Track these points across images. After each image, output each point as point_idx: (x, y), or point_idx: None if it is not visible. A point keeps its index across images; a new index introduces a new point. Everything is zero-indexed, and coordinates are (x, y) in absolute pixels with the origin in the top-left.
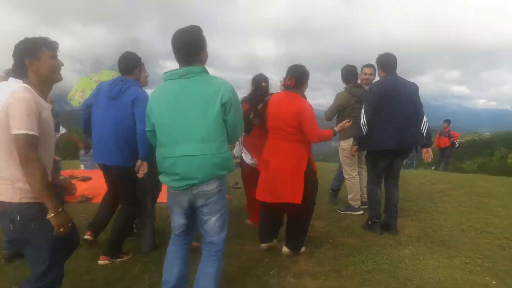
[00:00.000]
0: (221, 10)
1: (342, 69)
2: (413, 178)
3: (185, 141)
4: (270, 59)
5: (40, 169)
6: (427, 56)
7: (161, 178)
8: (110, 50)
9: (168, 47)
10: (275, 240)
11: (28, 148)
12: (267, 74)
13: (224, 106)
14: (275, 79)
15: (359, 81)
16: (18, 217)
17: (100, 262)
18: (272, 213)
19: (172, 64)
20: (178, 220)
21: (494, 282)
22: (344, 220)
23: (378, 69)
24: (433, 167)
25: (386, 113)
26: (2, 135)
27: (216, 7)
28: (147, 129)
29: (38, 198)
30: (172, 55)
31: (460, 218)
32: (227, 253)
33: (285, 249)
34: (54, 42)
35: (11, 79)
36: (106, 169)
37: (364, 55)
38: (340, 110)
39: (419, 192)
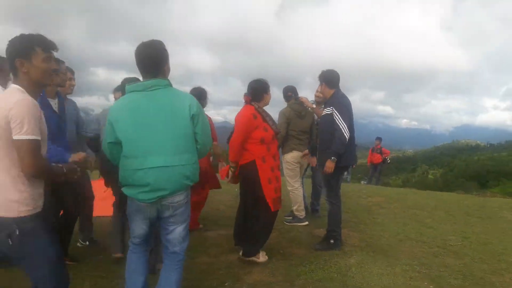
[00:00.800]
0: (154, 14)
1: (283, 89)
2: (350, 192)
3: (156, 153)
4: (205, 71)
5: (47, 173)
6: (354, 76)
7: (125, 190)
8: None
9: (98, 53)
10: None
11: (34, 154)
12: (203, 87)
13: (193, 118)
14: (211, 92)
15: (314, 99)
16: (17, 231)
17: None
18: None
19: (103, 72)
20: (139, 230)
21: (431, 287)
22: (292, 231)
23: (322, 84)
24: (363, 182)
25: (351, 129)
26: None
27: (148, 11)
28: (108, 140)
29: (37, 208)
30: (103, 62)
31: (397, 229)
32: None
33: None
34: (51, 42)
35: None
36: None
37: (297, 71)
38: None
39: (356, 205)
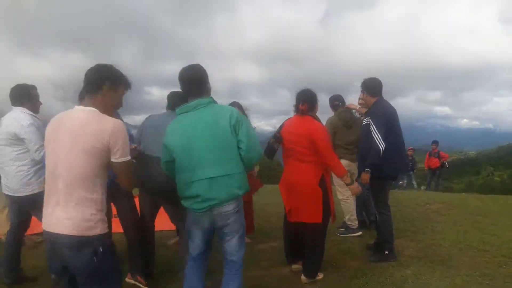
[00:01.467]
0: (200, 33)
1: (330, 98)
2: (407, 199)
3: (202, 166)
4: (253, 83)
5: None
6: (407, 78)
7: (183, 202)
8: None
9: (151, 73)
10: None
11: (129, 170)
12: (252, 99)
13: (234, 127)
14: (261, 103)
15: (358, 106)
16: (101, 248)
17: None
18: (295, 233)
19: (157, 90)
20: (197, 243)
21: None
22: (344, 243)
23: (363, 92)
24: (423, 187)
25: (397, 136)
26: (89, 164)
27: (194, 31)
28: (163, 160)
29: (109, 227)
30: (156, 81)
31: (457, 237)
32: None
33: (303, 277)
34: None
35: (13, 108)
36: None
37: (344, 78)
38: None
39: (414, 213)
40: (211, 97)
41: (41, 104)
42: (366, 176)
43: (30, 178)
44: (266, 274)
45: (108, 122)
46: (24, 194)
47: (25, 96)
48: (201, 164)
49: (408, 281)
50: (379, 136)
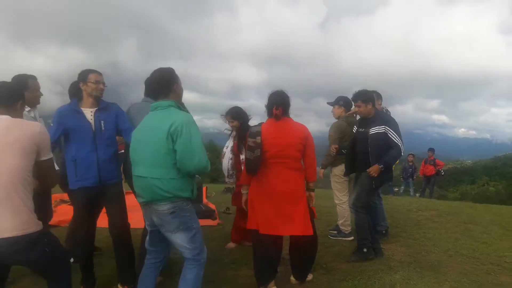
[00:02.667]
0: (198, 33)
1: (344, 98)
2: (400, 205)
3: (138, 164)
4: (252, 85)
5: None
6: (405, 85)
7: None
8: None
9: (149, 69)
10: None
11: (53, 167)
12: (251, 101)
13: (171, 135)
14: (259, 105)
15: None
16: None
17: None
18: (274, 247)
19: None
20: (146, 231)
21: None
22: (336, 246)
23: (368, 103)
24: (418, 194)
25: None
26: (23, 163)
27: (194, 30)
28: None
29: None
30: None
31: (448, 244)
32: (222, 279)
33: (292, 278)
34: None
35: None
36: None
37: (343, 83)
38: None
39: (406, 219)
40: (173, 101)
41: (41, 95)
42: (377, 168)
43: None
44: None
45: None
46: None
47: (23, 86)
48: (141, 162)
49: (397, 285)
50: (400, 140)
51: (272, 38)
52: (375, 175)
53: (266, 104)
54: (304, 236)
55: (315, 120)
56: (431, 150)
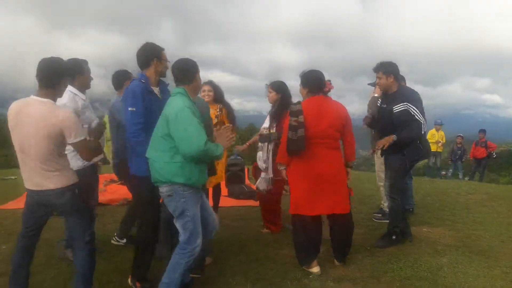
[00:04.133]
0: (236, 14)
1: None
2: (448, 188)
3: (149, 146)
4: (291, 66)
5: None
6: (452, 63)
7: None
8: (131, 56)
9: (190, 54)
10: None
11: (86, 147)
12: (291, 82)
13: (167, 121)
14: (298, 85)
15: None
16: (76, 191)
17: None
18: (314, 227)
19: (202, 73)
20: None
21: None
22: (381, 228)
23: (390, 76)
24: (466, 178)
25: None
26: (48, 145)
27: (231, 11)
28: None
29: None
30: (201, 63)
31: (500, 229)
32: (265, 258)
33: (336, 261)
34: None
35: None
36: None
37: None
38: None
39: (455, 202)
40: (183, 89)
41: (92, 79)
42: (390, 139)
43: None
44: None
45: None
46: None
47: (78, 70)
48: (150, 144)
49: (444, 269)
50: (423, 118)
51: (311, 15)
52: (385, 145)
53: (305, 82)
54: (343, 216)
55: (358, 101)
56: (482, 131)
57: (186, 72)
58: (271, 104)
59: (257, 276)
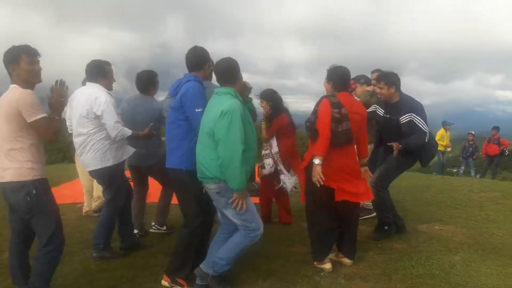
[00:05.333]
0: (244, 10)
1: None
2: (460, 186)
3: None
4: (301, 63)
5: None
6: (464, 59)
7: None
8: (140, 54)
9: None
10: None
11: (48, 125)
12: (300, 79)
13: (213, 119)
14: (309, 84)
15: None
16: (34, 190)
17: (163, 282)
18: (331, 222)
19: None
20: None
21: None
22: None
23: (392, 87)
24: (478, 176)
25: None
26: (9, 127)
27: (239, 7)
28: None
29: (44, 174)
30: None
31: None
32: (276, 255)
33: (347, 260)
34: (34, 49)
35: (88, 83)
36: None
37: (397, 58)
38: None
39: (467, 200)
40: (232, 89)
41: (114, 81)
42: (397, 145)
43: (105, 152)
44: (309, 251)
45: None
46: (100, 167)
47: (100, 72)
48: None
49: (456, 267)
50: (427, 127)
51: (321, 11)
52: (395, 150)
53: (332, 77)
54: (357, 209)
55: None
56: (495, 128)
57: (232, 72)
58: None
59: (268, 272)
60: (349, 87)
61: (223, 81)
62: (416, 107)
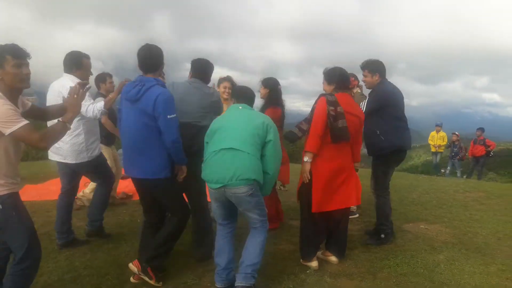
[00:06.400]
0: (234, 9)
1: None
2: (446, 186)
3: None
4: (290, 62)
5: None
6: (452, 61)
7: None
8: (126, 50)
9: (186, 49)
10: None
11: (30, 134)
12: (291, 79)
13: (266, 127)
14: (299, 83)
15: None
16: (1, 206)
17: (131, 266)
18: (324, 224)
19: None
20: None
21: None
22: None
23: (372, 73)
24: (465, 176)
25: (393, 116)
26: None
27: (227, 6)
28: None
29: (15, 188)
30: (193, 57)
31: (496, 227)
32: (265, 252)
33: (334, 258)
34: (22, 50)
35: (63, 74)
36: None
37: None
38: None
39: (452, 200)
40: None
41: (91, 74)
42: None
43: (82, 147)
44: (296, 249)
45: None
46: (75, 162)
47: (76, 64)
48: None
49: (440, 266)
50: (363, 108)
51: (310, 11)
52: None
53: (331, 79)
54: (347, 210)
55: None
56: (480, 129)
57: (251, 96)
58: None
59: None
60: (349, 85)
61: (244, 99)
62: (373, 92)
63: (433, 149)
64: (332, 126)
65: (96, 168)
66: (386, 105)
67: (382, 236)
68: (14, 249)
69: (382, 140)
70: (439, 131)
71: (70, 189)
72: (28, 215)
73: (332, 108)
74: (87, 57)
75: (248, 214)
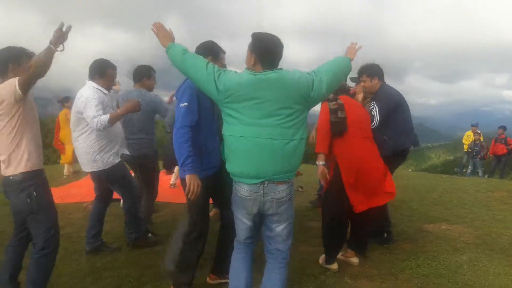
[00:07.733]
0: (244, 9)
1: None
2: (468, 186)
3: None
4: (302, 62)
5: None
6: (470, 59)
7: None
8: (139, 52)
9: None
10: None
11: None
12: None
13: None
14: None
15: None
16: (35, 193)
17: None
18: (345, 221)
19: None
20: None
21: None
22: (398, 225)
23: (371, 77)
24: (487, 175)
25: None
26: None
27: (237, 6)
28: None
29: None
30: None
31: None
32: None
33: (355, 259)
34: (32, 52)
35: (87, 81)
36: None
37: (401, 58)
38: None
39: (474, 200)
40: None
41: (114, 85)
42: None
43: (96, 155)
44: (315, 251)
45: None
46: (90, 170)
47: (99, 72)
48: None
49: (463, 267)
50: (378, 115)
51: (321, 11)
52: None
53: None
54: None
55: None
56: (502, 127)
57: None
58: None
59: None
60: (349, 92)
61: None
62: (380, 97)
63: (466, 148)
64: (333, 120)
65: (113, 179)
66: (397, 108)
67: (385, 235)
68: (40, 234)
69: (389, 143)
70: (475, 130)
71: (100, 196)
72: (53, 200)
73: (333, 103)
74: (113, 67)
75: (279, 233)
